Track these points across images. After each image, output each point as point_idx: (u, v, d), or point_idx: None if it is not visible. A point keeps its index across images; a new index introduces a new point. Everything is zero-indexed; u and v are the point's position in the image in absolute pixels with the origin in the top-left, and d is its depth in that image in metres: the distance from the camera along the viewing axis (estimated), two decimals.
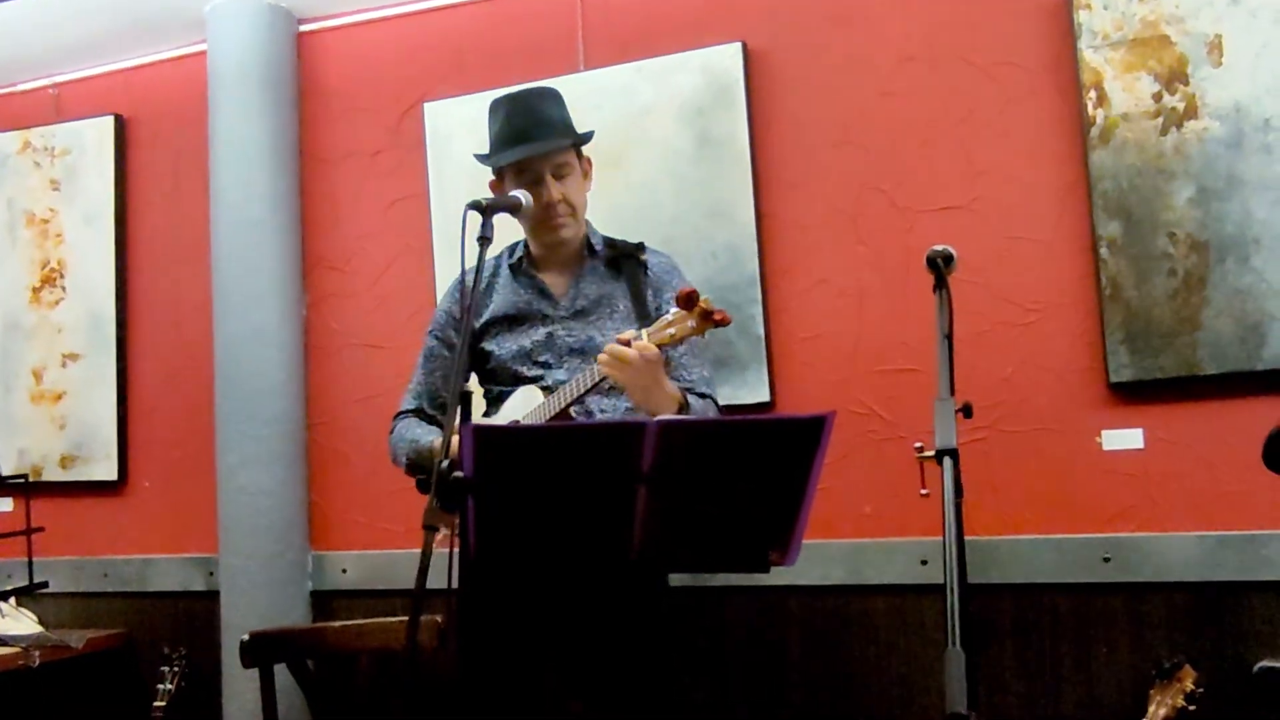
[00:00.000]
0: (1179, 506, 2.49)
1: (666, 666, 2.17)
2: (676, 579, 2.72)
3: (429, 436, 2.27)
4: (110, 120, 3.63)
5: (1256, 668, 2.29)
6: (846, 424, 2.72)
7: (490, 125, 2.29)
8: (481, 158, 2.31)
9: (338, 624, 2.57)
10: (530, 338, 2.26)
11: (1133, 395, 2.53)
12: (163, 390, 3.56)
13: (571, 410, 2.10)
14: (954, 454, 1.55)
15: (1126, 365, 2.51)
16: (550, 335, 2.25)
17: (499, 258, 2.38)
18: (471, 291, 1.92)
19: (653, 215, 2.94)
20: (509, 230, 2.29)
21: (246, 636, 2.38)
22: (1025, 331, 2.63)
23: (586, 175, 2.33)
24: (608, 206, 2.90)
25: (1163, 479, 2.51)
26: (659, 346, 1.95)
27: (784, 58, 2.88)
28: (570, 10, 3.09)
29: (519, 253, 2.35)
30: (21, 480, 3.33)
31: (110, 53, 3.63)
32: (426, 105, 3.22)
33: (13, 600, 3.36)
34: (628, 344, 1.94)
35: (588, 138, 2.31)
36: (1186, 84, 2.49)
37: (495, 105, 2.29)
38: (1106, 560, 2.52)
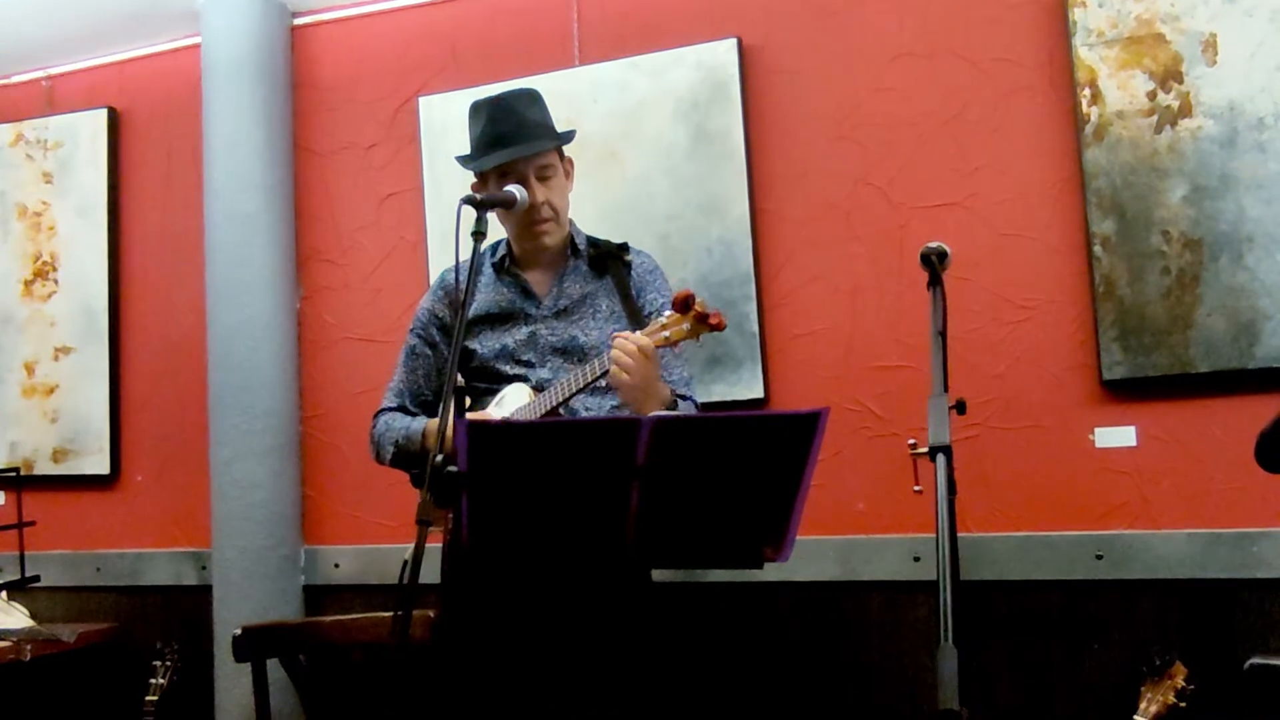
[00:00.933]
0: (1171, 504, 2.50)
1: (656, 662, 2.16)
2: (671, 575, 2.73)
3: (418, 423, 2.26)
4: (104, 113, 3.62)
5: (1247, 664, 2.29)
6: (840, 420, 2.73)
7: (471, 128, 2.28)
8: (463, 161, 2.30)
9: (330, 618, 2.57)
10: (513, 336, 2.25)
11: (1126, 393, 2.54)
12: (155, 384, 3.55)
13: (560, 409, 2.10)
14: (947, 450, 1.55)
15: (1119, 363, 2.52)
16: (533, 334, 2.24)
17: (482, 256, 2.36)
18: (467, 288, 1.91)
19: (647, 210, 2.94)
20: (492, 230, 2.28)
21: (239, 631, 2.38)
22: (1019, 329, 2.64)
23: (569, 176, 2.32)
24: (602, 201, 2.90)
25: (1155, 476, 2.51)
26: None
27: (779, 53, 2.88)
28: (565, 5, 3.09)
29: (502, 251, 2.33)
30: (13, 474, 3.33)
31: (104, 45, 3.61)
32: (421, 99, 3.21)
33: (4, 594, 3.36)
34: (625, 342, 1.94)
35: (569, 137, 2.30)
36: (1181, 82, 2.50)
37: (475, 108, 2.28)
38: (1099, 557, 2.53)
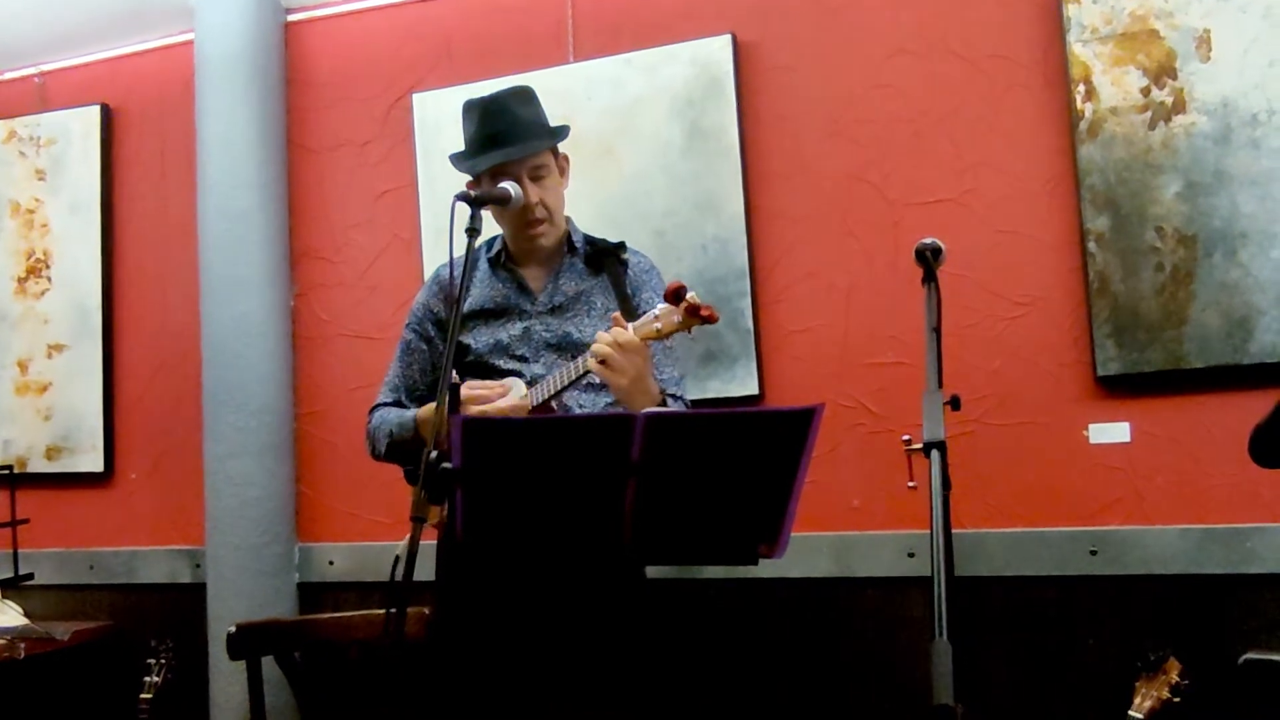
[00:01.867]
0: (1165, 500, 2.50)
1: (651, 659, 2.16)
2: (666, 572, 2.73)
3: (410, 411, 2.26)
4: (96, 110, 3.61)
5: (1241, 660, 2.29)
6: (835, 417, 2.73)
7: (465, 128, 2.28)
8: (456, 162, 2.30)
9: (325, 615, 2.57)
10: (507, 332, 2.25)
11: (1120, 389, 2.54)
12: (149, 381, 3.54)
13: (552, 404, 2.10)
14: (942, 447, 1.55)
15: (1114, 359, 2.52)
16: (527, 330, 2.24)
17: (478, 251, 2.36)
18: (461, 284, 1.91)
19: (642, 207, 2.93)
20: (489, 225, 2.27)
21: (233, 628, 2.38)
22: (1013, 325, 2.64)
23: (564, 174, 2.30)
24: (598, 198, 2.90)
25: (1149, 472, 2.52)
26: (644, 340, 1.95)
27: (774, 50, 2.88)
28: (560, 1, 3.08)
29: (498, 246, 2.33)
30: (7, 471, 3.32)
31: (97, 42, 3.60)
32: (415, 96, 3.21)
33: None
34: (612, 338, 1.94)
35: (564, 133, 2.29)
36: (1175, 78, 2.50)
37: (468, 108, 2.27)
38: (1093, 553, 2.53)
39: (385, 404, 2.36)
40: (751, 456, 1.61)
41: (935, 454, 1.55)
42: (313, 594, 3.26)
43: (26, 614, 3.40)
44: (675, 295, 1.90)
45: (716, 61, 2.88)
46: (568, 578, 2.03)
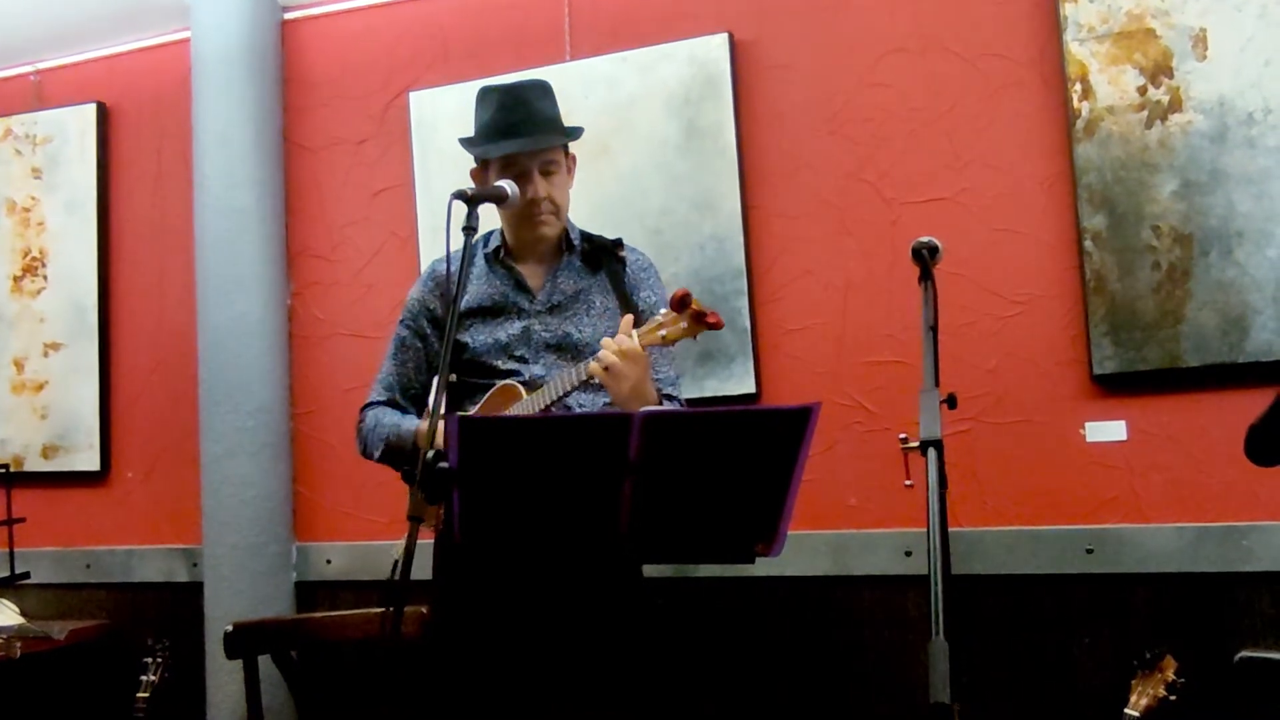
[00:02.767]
0: (1161, 498, 2.51)
1: (648, 658, 2.16)
2: (663, 570, 2.73)
3: (409, 422, 2.25)
4: (93, 108, 3.60)
5: (1237, 658, 2.30)
6: (832, 415, 2.73)
7: (479, 113, 2.26)
8: (466, 144, 2.28)
9: (321, 615, 2.57)
10: (507, 331, 2.23)
11: (1116, 387, 2.55)
12: (146, 380, 3.54)
13: (551, 409, 2.09)
14: (938, 445, 1.56)
15: (1110, 357, 2.52)
16: (526, 329, 2.23)
17: (474, 246, 2.34)
18: (459, 282, 1.90)
19: (639, 206, 2.93)
20: (487, 218, 2.27)
21: (230, 627, 2.37)
22: (1010, 323, 2.64)
23: (571, 173, 2.30)
24: (594, 197, 2.90)
25: (1145, 471, 2.52)
26: (649, 346, 1.95)
27: (771, 49, 2.88)
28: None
29: (495, 242, 2.31)
30: (3, 470, 3.31)
31: (93, 40, 3.60)
32: (412, 94, 3.21)
33: None
34: (618, 347, 1.94)
35: (577, 134, 2.28)
36: (1171, 77, 2.50)
37: (486, 93, 2.25)
38: (1089, 551, 2.53)
39: (379, 402, 2.33)
40: (748, 455, 1.61)
41: (932, 452, 1.55)
42: (309, 593, 3.26)
43: (23, 613, 3.40)
44: (681, 302, 1.91)
45: (713, 60, 2.88)
46: (565, 576, 2.03)
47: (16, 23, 3.48)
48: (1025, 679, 2.59)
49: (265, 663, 2.35)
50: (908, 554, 2.66)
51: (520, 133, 2.18)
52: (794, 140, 2.84)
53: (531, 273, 2.28)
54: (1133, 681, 2.25)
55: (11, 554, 3.23)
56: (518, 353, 2.21)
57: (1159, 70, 2.51)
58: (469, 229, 1.93)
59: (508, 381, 2.17)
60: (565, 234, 2.29)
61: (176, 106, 3.45)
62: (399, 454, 2.23)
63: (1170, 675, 2.23)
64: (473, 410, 2.18)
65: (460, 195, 1.96)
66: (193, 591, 3.27)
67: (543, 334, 2.22)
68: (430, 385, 2.26)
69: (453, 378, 2.15)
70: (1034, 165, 2.64)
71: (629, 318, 2.00)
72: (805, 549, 2.71)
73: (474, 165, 2.31)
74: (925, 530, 1.48)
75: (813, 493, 2.67)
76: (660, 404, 2.09)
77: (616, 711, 2.06)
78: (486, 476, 1.60)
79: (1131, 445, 2.53)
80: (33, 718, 3.20)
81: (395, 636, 1.68)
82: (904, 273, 2.61)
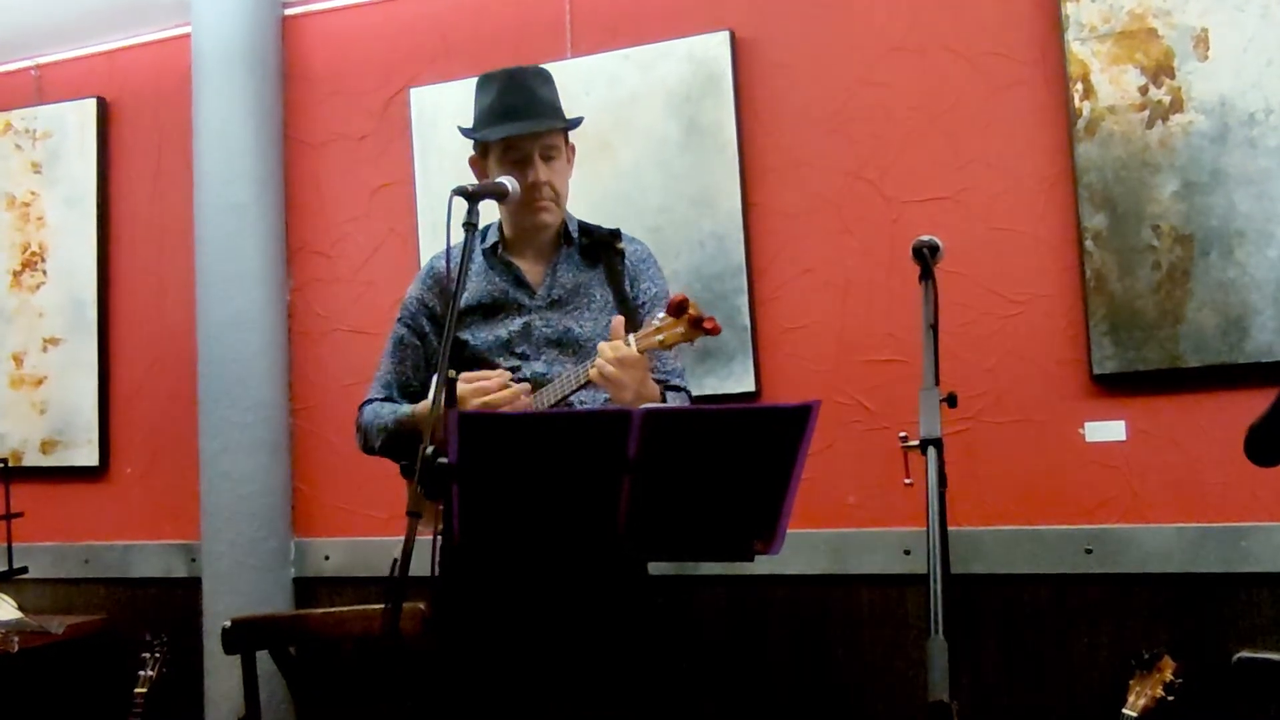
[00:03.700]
0: (1161, 498, 2.51)
1: (649, 655, 2.16)
2: (662, 568, 2.73)
3: (408, 406, 2.23)
4: (92, 103, 3.60)
5: (1235, 658, 2.30)
6: (831, 414, 2.72)
7: (479, 100, 2.24)
8: (467, 132, 2.27)
9: (320, 610, 2.56)
10: (507, 328, 2.22)
11: (1116, 387, 2.55)
12: (145, 375, 3.54)
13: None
14: (938, 444, 1.56)
15: (1110, 357, 2.52)
16: (527, 325, 2.21)
17: (472, 242, 2.32)
18: (459, 279, 1.90)
19: (639, 203, 2.93)
20: (487, 214, 2.26)
21: (228, 623, 2.37)
22: (1010, 323, 2.64)
23: (570, 161, 2.29)
24: (594, 194, 2.89)
25: (1145, 471, 2.52)
26: (646, 352, 1.94)
27: (772, 46, 2.88)
28: None
29: (493, 237, 2.29)
30: (2, 465, 3.31)
31: (93, 34, 3.59)
32: (412, 90, 3.20)
33: None
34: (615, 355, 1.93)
35: (577, 123, 2.27)
36: (1173, 77, 2.50)
37: (486, 80, 2.23)
38: (1088, 551, 2.53)
39: (377, 400, 2.32)
40: (748, 453, 1.61)
41: (931, 451, 1.55)
42: (308, 589, 3.26)
43: (21, 608, 3.39)
44: (678, 308, 1.90)
45: (714, 58, 2.88)
46: (565, 573, 2.03)
47: (17, 17, 3.47)
48: (1023, 678, 2.59)
49: (263, 658, 2.35)
50: (907, 553, 2.66)
51: (521, 116, 2.16)
52: (794, 138, 2.84)
53: (530, 267, 2.27)
54: (1131, 682, 2.25)
55: (10, 549, 3.23)
56: (518, 349, 2.21)
57: (1160, 70, 2.51)
58: (470, 225, 1.92)
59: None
60: (564, 226, 2.28)
61: (176, 102, 3.45)
62: (401, 439, 2.21)
63: (1169, 676, 2.23)
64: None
65: (461, 191, 1.94)
66: (191, 587, 3.27)
67: (543, 330, 2.21)
68: (429, 383, 2.26)
69: (452, 374, 2.15)
70: (1035, 164, 2.64)
71: (619, 320, 2.00)
72: (804, 547, 2.71)
73: (473, 153, 2.29)
74: (925, 529, 1.48)
75: (812, 491, 2.67)
76: (665, 396, 2.08)
77: (616, 708, 2.06)
78: (486, 472, 1.60)
79: (1131, 445, 2.53)
80: (31, 712, 3.20)
81: (394, 633, 1.67)
82: (904, 271, 2.61)
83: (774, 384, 2.83)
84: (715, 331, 1.92)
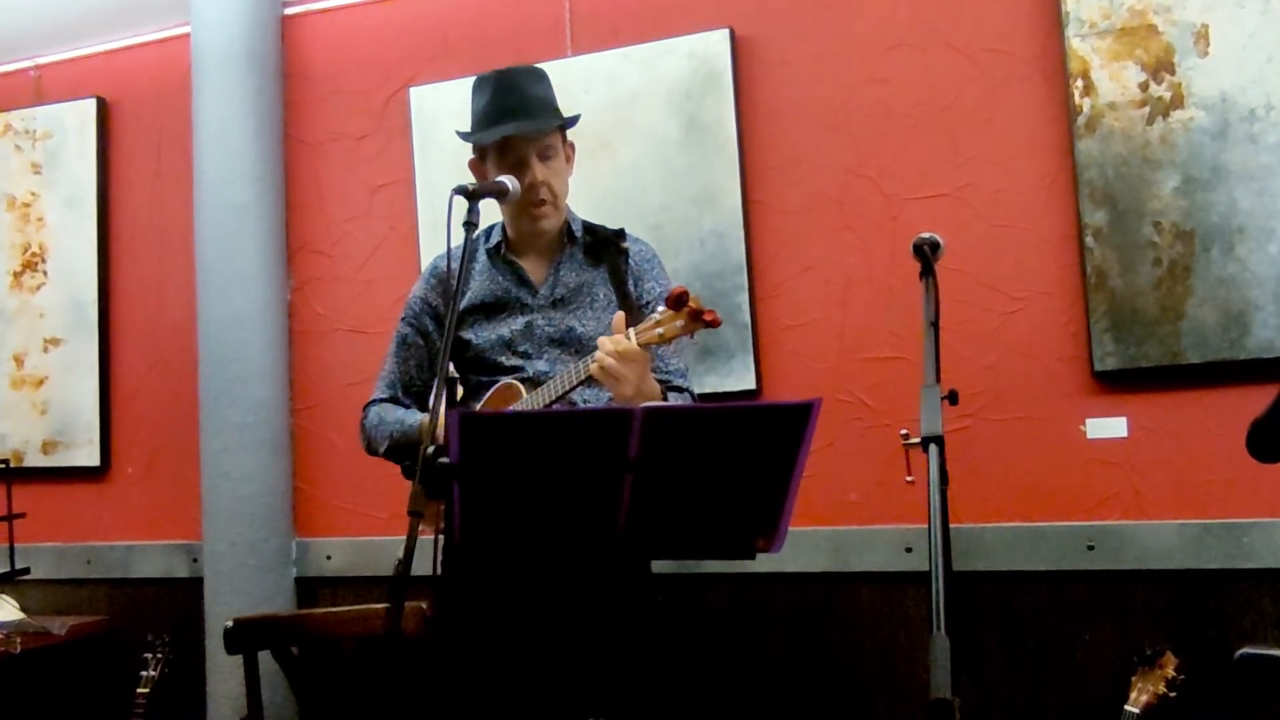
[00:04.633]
0: (1162, 495, 2.50)
1: (650, 654, 2.16)
2: (663, 566, 2.73)
3: (414, 416, 2.24)
4: (92, 103, 3.60)
5: (1238, 655, 2.29)
6: (832, 411, 2.72)
7: (474, 102, 2.24)
8: (464, 135, 2.27)
9: (322, 610, 2.56)
10: (510, 327, 2.22)
11: (1117, 384, 2.55)
12: (145, 375, 3.54)
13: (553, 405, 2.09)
14: (939, 441, 1.56)
15: (1111, 354, 2.52)
16: (530, 324, 2.21)
17: (475, 241, 2.33)
18: (459, 278, 1.90)
19: (640, 201, 2.93)
20: (488, 213, 2.26)
21: (230, 623, 2.37)
22: (1010, 319, 2.64)
23: (569, 160, 2.28)
24: (595, 192, 2.89)
25: (1146, 467, 2.52)
26: (646, 345, 1.94)
27: (772, 44, 2.87)
28: None
29: (496, 237, 2.30)
30: (3, 466, 3.31)
31: (92, 34, 3.59)
32: (412, 89, 3.20)
33: None
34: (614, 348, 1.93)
35: (573, 121, 2.26)
36: (1173, 73, 2.50)
37: (480, 82, 2.23)
38: (1090, 548, 2.53)
39: (381, 400, 2.33)
40: (749, 451, 1.61)
41: (933, 448, 1.55)
42: (310, 589, 3.26)
43: (23, 609, 3.40)
44: (678, 301, 1.90)
45: (714, 56, 2.88)
46: (566, 572, 2.03)
47: (17, 17, 3.47)
48: (1025, 675, 2.59)
49: (265, 658, 2.35)
50: (908, 550, 2.66)
51: (515, 116, 2.15)
52: (795, 136, 2.84)
53: (533, 267, 2.27)
54: (1133, 678, 2.25)
55: (11, 549, 3.23)
56: (521, 348, 2.21)
57: (1161, 66, 2.50)
58: (470, 224, 1.92)
59: (508, 380, 2.17)
60: (567, 226, 2.28)
61: (176, 102, 3.45)
62: (405, 448, 2.22)
63: (1170, 672, 2.23)
64: (475, 409, 2.18)
65: (461, 190, 1.95)
66: (193, 587, 3.27)
67: (546, 329, 2.21)
68: (432, 382, 2.26)
69: (453, 373, 2.15)
70: (1035, 161, 2.64)
71: (620, 316, 1.99)
72: (806, 545, 2.71)
73: (472, 157, 2.29)
74: (926, 526, 1.48)
75: (813, 488, 2.67)
76: (666, 397, 2.08)
77: (617, 707, 2.06)
78: (487, 472, 1.60)
79: (1132, 442, 2.53)
80: (33, 714, 3.20)
81: (396, 633, 1.67)
82: (905, 268, 2.61)
83: (774, 382, 2.83)
84: (715, 324, 1.91)
